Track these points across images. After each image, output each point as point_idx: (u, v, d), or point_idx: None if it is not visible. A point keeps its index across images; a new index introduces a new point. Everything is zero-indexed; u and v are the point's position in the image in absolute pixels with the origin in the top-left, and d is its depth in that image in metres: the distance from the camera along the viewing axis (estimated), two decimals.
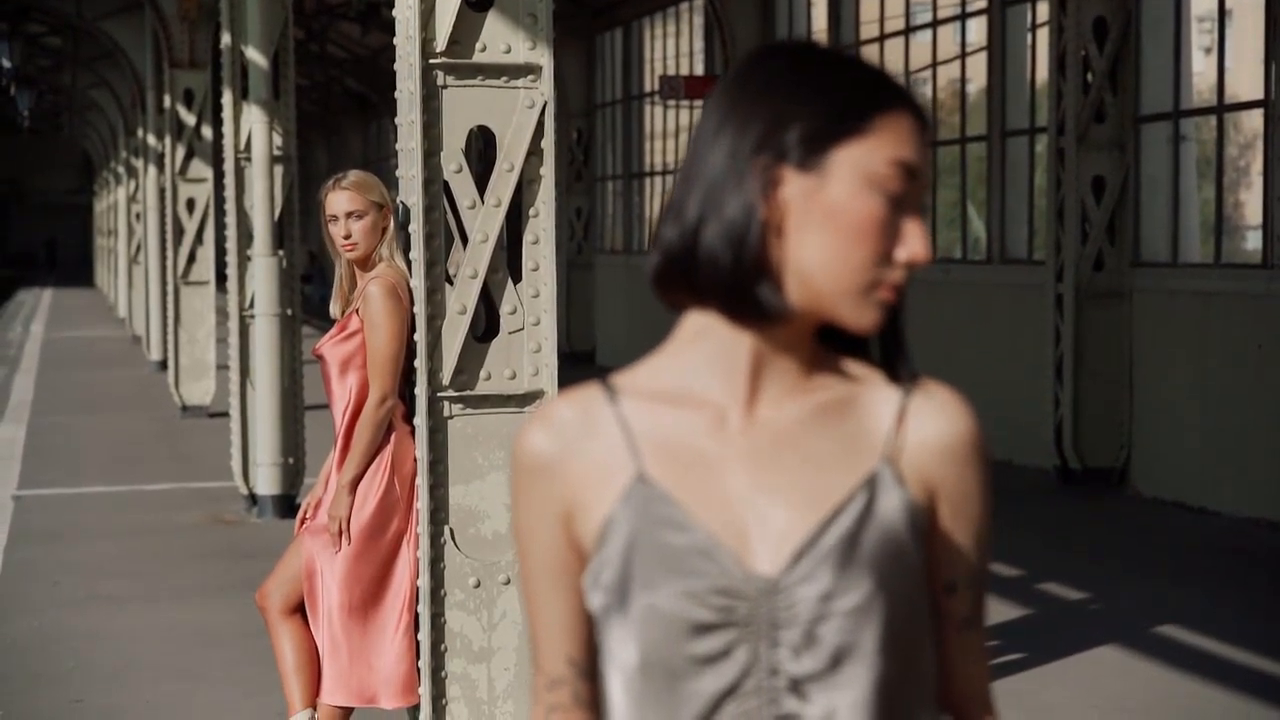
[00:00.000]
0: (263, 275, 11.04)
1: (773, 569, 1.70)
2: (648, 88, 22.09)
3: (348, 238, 5.58)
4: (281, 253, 11.10)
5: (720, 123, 1.75)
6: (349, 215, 5.59)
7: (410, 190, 5.46)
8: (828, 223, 1.72)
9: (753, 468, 1.74)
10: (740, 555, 1.71)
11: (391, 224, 5.61)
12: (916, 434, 1.77)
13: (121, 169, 32.18)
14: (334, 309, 5.70)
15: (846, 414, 1.77)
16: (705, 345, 1.77)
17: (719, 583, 1.70)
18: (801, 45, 1.78)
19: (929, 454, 1.77)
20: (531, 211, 5.57)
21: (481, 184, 5.52)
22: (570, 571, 1.79)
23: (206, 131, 17.18)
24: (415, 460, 5.50)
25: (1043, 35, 13.41)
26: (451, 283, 5.49)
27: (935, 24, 15.57)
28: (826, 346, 1.81)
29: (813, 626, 1.69)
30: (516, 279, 5.57)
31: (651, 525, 1.72)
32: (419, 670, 5.50)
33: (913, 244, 1.73)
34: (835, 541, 1.70)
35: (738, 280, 1.72)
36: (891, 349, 1.80)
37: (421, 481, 5.44)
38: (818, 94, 1.73)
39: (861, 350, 1.82)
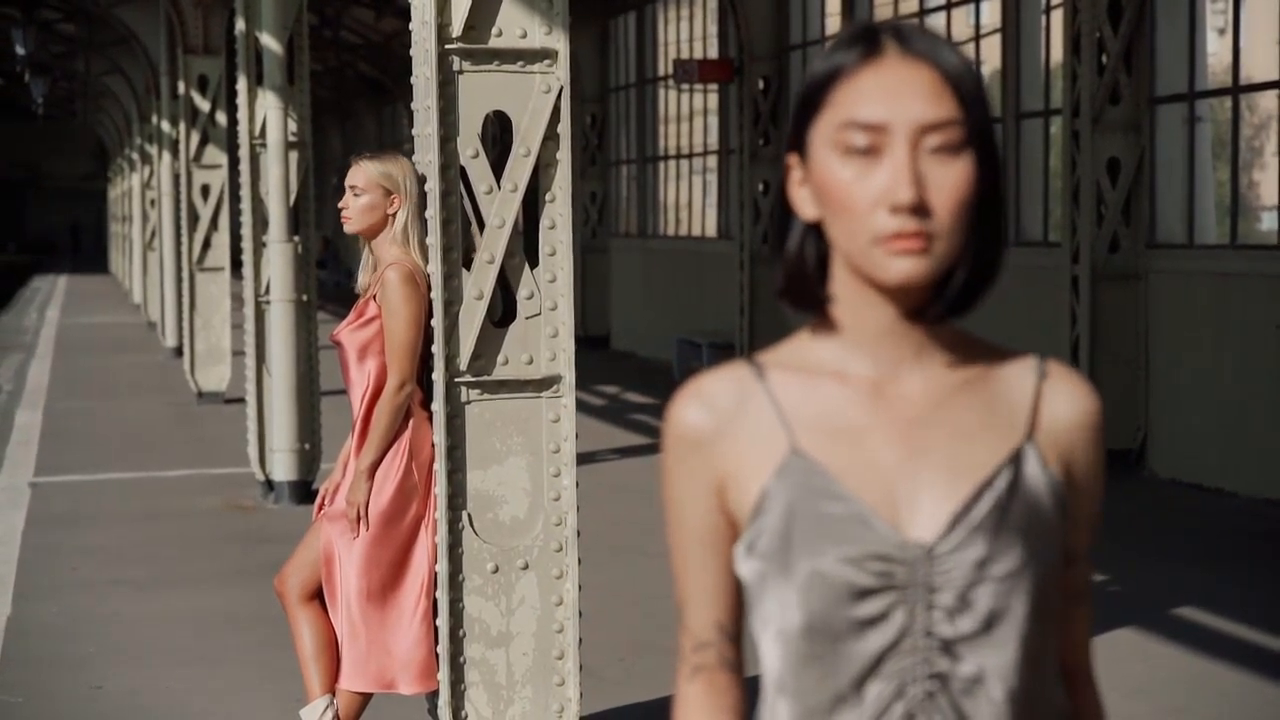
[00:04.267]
0: (278, 261, 11.06)
1: (928, 535, 1.77)
2: (661, 71, 22.06)
3: (344, 209, 5.63)
4: (297, 238, 11.11)
5: None
6: (352, 188, 5.62)
7: (427, 175, 5.47)
8: (820, 200, 1.80)
9: (900, 438, 1.81)
10: (895, 522, 1.78)
11: (404, 213, 5.60)
12: (1052, 413, 1.86)
13: (136, 155, 32.21)
14: (361, 279, 5.71)
15: (986, 388, 1.86)
16: (844, 323, 1.84)
17: (877, 549, 1.76)
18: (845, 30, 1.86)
19: (1064, 431, 1.86)
20: (548, 196, 5.57)
21: (498, 169, 5.52)
22: (722, 540, 1.86)
23: (221, 117, 17.19)
24: (433, 445, 5.51)
25: (1057, 17, 13.37)
26: (468, 268, 5.50)
27: (949, 6, 15.53)
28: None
29: (967, 591, 1.76)
30: (533, 264, 5.57)
31: (809, 496, 1.79)
32: (437, 655, 5.52)
33: (886, 191, 1.76)
34: (987, 511, 1.78)
35: (793, 279, 1.84)
36: (963, 293, 1.87)
37: (439, 467, 5.44)
38: (808, 81, 1.82)
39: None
